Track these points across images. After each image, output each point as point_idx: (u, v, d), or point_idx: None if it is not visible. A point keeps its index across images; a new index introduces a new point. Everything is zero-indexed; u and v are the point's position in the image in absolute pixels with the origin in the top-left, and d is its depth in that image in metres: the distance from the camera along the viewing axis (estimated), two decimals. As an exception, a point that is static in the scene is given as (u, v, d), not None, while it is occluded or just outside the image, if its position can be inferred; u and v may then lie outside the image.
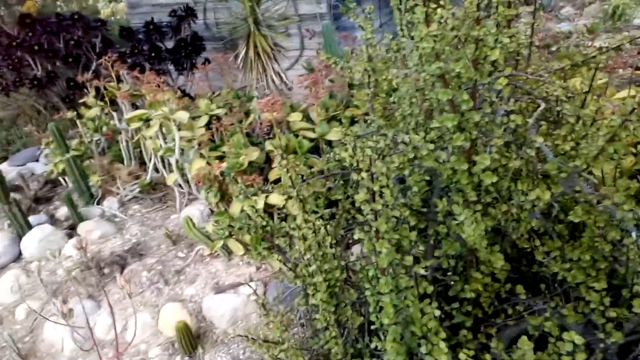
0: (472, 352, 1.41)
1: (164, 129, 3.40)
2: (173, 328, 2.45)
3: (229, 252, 3.01)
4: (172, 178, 3.40)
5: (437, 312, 1.32)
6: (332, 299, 1.81)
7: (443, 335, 1.31)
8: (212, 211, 3.43)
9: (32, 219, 3.55)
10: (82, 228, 3.42)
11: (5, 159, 4.91)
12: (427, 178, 1.65)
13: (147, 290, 2.86)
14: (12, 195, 3.42)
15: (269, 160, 3.31)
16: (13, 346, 2.52)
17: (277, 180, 3.03)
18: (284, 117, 3.26)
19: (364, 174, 1.39)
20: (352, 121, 3.16)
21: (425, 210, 1.68)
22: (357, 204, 1.55)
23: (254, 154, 3.03)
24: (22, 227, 3.37)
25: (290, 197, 2.77)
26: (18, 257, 3.33)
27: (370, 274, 1.41)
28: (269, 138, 3.43)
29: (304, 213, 1.91)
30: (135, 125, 3.54)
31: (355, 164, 1.58)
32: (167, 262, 3.08)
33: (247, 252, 2.95)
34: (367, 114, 3.21)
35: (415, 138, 1.51)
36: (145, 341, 2.56)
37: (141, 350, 2.51)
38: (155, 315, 2.68)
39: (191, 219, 2.95)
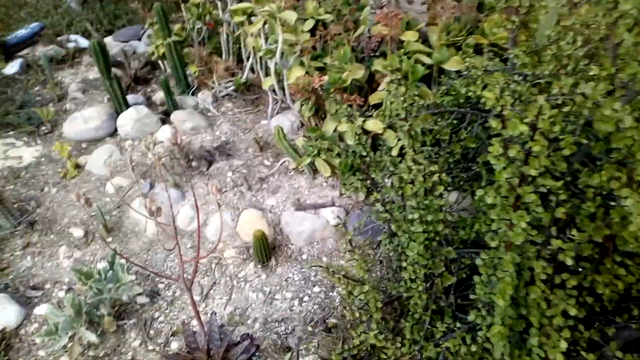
0: (591, 355, 1.20)
1: (267, 28, 3.19)
2: (250, 234, 2.44)
3: (314, 171, 2.90)
4: (268, 82, 3.25)
5: (573, 311, 1.10)
6: (427, 252, 1.64)
7: (567, 334, 1.11)
8: (302, 124, 3.29)
9: (129, 97, 3.61)
10: (175, 116, 3.44)
11: (110, 32, 4.99)
12: (583, 140, 1.35)
13: (230, 191, 2.86)
14: (114, 70, 3.46)
15: (371, 80, 3.03)
16: (100, 218, 2.65)
17: (377, 105, 2.78)
18: (398, 35, 2.91)
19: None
20: (476, 51, 2.76)
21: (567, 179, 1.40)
22: (489, 158, 1.30)
23: (359, 72, 2.77)
24: (120, 104, 3.44)
25: (390, 128, 2.54)
26: (114, 132, 3.44)
27: (494, 244, 1.20)
28: (375, 56, 3.12)
29: (413, 152, 1.69)
30: (238, 18, 3.34)
31: (498, 108, 1.31)
32: (252, 167, 3.04)
33: (333, 174, 2.82)
34: (495, 44, 2.78)
35: (599, 89, 1.18)
36: (222, 241, 2.59)
37: (218, 249, 2.55)
38: (235, 217, 2.69)
39: (282, 129, 2.83)
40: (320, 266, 1.94)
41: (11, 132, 3.52)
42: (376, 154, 1.98)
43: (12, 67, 4.38)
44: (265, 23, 3.11)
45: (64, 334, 2.07)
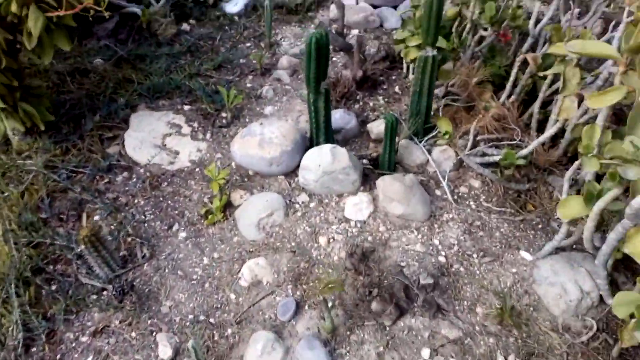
0: None
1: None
2: None
3: None
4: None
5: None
6: None
7: None
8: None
9: (337, 115, 2.42)
10: (383, 185, 2.13)
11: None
12: None
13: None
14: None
15: None
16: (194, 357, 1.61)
17: None
18: None
19: None
20: None
21: None
22: None
23: None
24: (317, 130, 2.25)
25: None
26: (293, 170, 2.32)
27: None
28: None
29: None
30: (557, 51, 1.72)
31: None
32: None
33: None
34: None
35: None
36: None
37: None
38: None
39: None
40: None
41: (187, 107, 2.68)
42: None
43: (235, 5, 3.52)
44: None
45: None
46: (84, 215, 2.11)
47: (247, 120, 2.61)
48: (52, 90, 2.64)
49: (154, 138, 2.47)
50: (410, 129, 2.34)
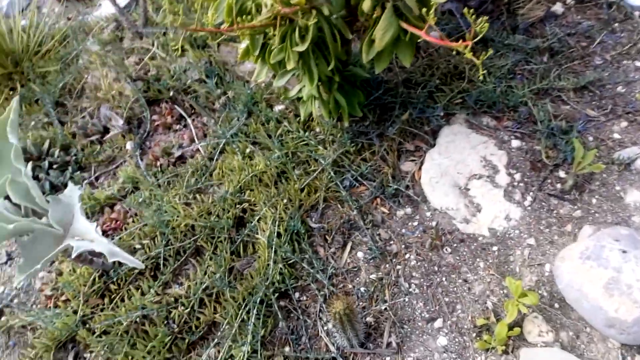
0: None
1: None
2: None
3: None
4: None
5: None
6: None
7: None
8: None
9: None
10: None
11: None
12: None
13: None
14: None
15: None
16: None
17: None
18: None
19: None
20: None
21: None
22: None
23: None
24: None
25: None
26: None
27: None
28: None
29: None
30: None
31: None
32: None
33: None
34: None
35: None
36: None
37: None
38: None
39: None
40: None
41: (515, 142, 1.99)
42: None
43: (646, -7, 2.40)
44: None
45: None
46: (348, 247, 1.81)
47: (593, 202, 1.79)
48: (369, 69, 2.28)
49: (458, 173, 1.92)
50: None
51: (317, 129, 2.12)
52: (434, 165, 1.95)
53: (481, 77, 2.17)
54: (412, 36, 1.43)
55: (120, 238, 1.85)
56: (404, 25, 1.34)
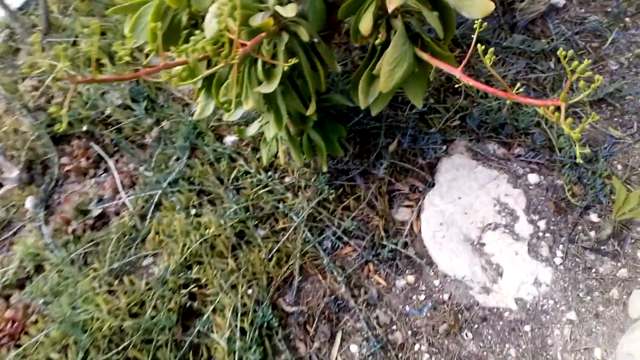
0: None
1: None
2: None
3: None
4: None
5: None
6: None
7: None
8: None
9: None
10: None
11: None
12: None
13: None
14: None
15: None
16: None
17: None
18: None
19: None
20: None
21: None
22: None
23: None
24: None
25: None
26: None
27: None
28: None
29: None
30: None
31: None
32: None
33: None
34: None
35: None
36: None
37: None
38: None
39: None
40: None
41: (532, 177, 1.60)
42: None
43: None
44: None
45: None
46: (338, 338, 1.36)
47: (637, 255, 1.43)
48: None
49: (468, 222, 1.50)
50: None
51: (285, 168, 1.64)
52: (436, 212, 1.53)
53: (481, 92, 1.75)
54: (425, 66, 0.97)
55: (19, 356, 1.31)
56: (422, 55, 0.88)
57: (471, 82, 0.76)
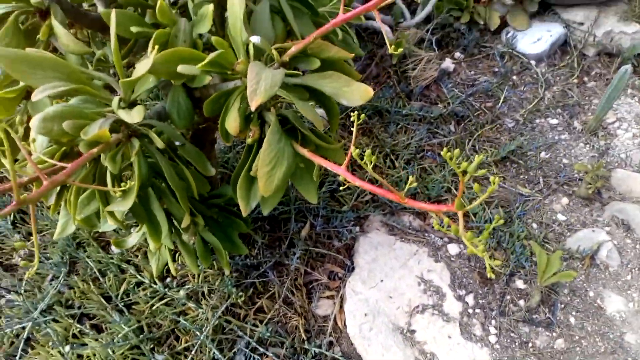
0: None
1: None
2: None
3: None
4: None
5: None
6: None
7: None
8: None
9: None
10: None
11: None
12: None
13: None
14: None
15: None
16: None
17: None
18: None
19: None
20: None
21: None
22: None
23: None
24: None
25: None
26: None
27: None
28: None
29: None
30: None
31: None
32: None
33: None
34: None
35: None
36: None
37: None
38: None
39: None
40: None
41: (452, 247, 1.52)
42: None
43: (535, 41, 2.17)
44: None
45: None
46: None
47: (572, 322, 1.36)
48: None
49: (395, 307, 1.37)
50: None
51: (185, 272, 1.43)
52: (360, 301, 1.38)
53: (387, 164, 1.69)
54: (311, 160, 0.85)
55: None
56: (301, 151, 0.76)
57: (357, 182, 0.64)
